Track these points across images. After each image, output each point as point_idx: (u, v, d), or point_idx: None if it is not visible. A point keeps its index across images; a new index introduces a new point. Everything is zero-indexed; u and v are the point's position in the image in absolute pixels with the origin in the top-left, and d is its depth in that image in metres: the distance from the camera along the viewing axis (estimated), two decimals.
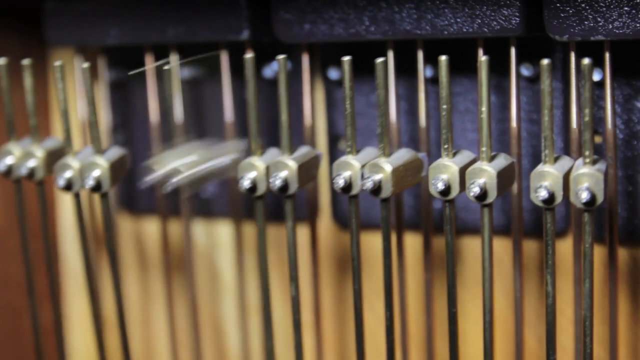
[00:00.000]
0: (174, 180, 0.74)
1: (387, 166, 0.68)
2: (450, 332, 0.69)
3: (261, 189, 0.71)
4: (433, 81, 0.77)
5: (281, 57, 0.68)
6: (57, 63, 0.73)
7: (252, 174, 0.71)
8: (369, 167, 0.68)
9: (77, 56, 0.84)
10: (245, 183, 0.71)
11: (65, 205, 0.93)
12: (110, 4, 0.80)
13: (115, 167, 0.75)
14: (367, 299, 0.80)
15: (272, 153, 0.72)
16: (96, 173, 0.74)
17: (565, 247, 0.75)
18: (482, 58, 0.64)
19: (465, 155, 0.68)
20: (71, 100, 0.84)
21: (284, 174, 0.70)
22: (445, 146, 0.66)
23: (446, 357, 0.79)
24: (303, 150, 0.72)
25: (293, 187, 0.70)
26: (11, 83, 0.76)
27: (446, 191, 0.66)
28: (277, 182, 0.70)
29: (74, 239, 0.93)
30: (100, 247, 0.87)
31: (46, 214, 0.79)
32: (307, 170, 0.72)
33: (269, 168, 0.71)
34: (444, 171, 0.66)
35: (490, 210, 0.66)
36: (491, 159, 0.66)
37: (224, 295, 0.88)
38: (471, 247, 0.78)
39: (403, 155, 0.70)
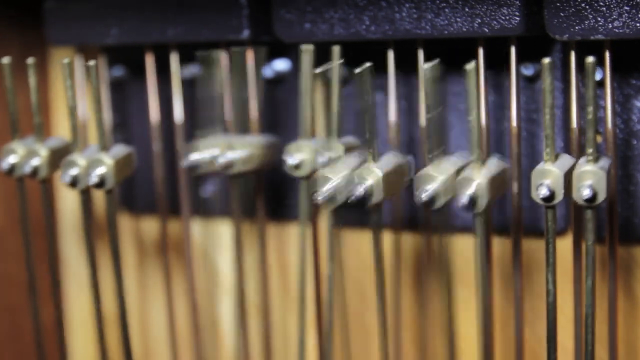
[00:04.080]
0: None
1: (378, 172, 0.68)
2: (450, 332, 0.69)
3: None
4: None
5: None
6: (65, 60, 0.73)
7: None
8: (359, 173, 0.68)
9: (77, 56, 0.84)
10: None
11: (65, 204, 0.93)
12: (110, 4, 0.80)
13: (121, 165, 0.76)
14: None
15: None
16: (100, 170, 0.75)
17: (564, 247, 0.75)
18: (469, 66, 0.64)
19: (453, 162, 0.68)
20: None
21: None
22: (430, 156, 0.67)
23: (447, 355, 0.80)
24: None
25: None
26: (12, 82, 0.77)
27: (432, 202, 0.66)
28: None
29: (74, 238, 0.93)
30: (101, 245, 0.87)
31: (50, 212, 0.79)
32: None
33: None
34: (430, 181, 0.66)
35: (485, 215, 0.66)
36: (482, 165, 0.66)
37: (223, 295, 0.88)
38: (471, 246, 0.78)
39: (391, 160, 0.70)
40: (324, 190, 0.69)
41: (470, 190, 0.65)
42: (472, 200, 0.65)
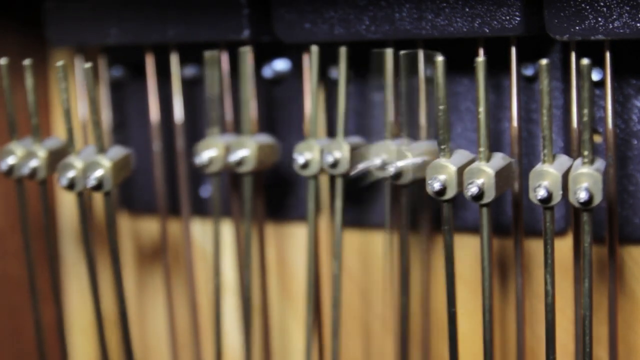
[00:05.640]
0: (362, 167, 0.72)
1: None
2: (450, 332, 0.69)
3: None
4: (433, 81, 0.77)
5: None
6: (59, 63, 0.73)
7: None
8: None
9: (77, 56, 0.84)
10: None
11: (65, 204, 0.93)
12: (110, 4, 0.80)
13: (118, 167, 0.76)
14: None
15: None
16: (98, 173, 0.75)
17: (565, 247, 0.75)
18: (479, 59, 0.64)
19: (463, 155, 0.68)
20: (72, 100, 0.85)
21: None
22: (443, 147, 0.67)
23: (446, 357, 0.80)
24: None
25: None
26: (11, 83, 0.77)
27: (442, 191, 0.67)
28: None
29: (74, 239, 0.93)
30: (101, 246, 0.87)
31: (48, 213, 0.79)
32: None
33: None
34: (442, 171, 0.67)
35: (489, 211, 0.66)
36: (489, 158, 0.66)
37: (223, 295, 0.88)
38: (471, 245, 0.79)
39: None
40: (360, 166, 0.69)
41: (479, 181, 0.65)
42: (480, 192, 0.65)
